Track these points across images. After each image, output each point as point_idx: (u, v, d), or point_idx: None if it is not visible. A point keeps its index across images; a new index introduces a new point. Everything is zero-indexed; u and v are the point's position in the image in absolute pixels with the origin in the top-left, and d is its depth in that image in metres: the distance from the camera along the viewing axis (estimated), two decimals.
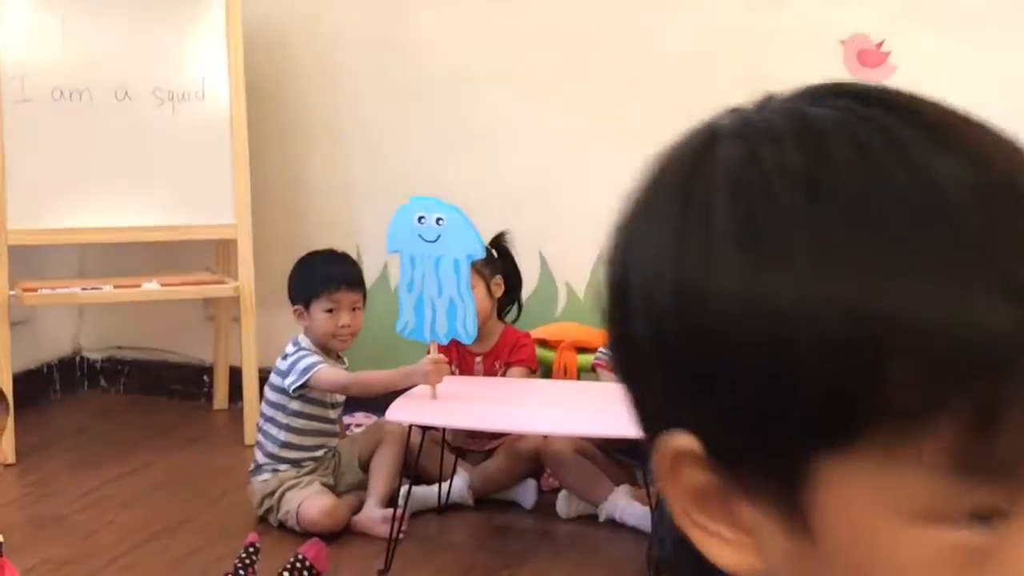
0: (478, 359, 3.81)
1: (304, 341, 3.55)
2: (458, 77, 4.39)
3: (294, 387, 3.47)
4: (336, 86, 4.53)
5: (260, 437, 3.57)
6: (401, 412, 3.22)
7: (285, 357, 3.54)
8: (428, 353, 3.32)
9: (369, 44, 4.47)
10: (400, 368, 3.39)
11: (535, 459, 3.67)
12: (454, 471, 3.64)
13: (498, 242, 3.90)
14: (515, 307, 3.93)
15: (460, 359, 3.80)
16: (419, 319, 3.28)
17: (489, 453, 3.75)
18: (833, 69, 3.98)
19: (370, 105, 4.50)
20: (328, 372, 3.47)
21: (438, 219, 3.25)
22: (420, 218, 3.27)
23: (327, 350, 3.58)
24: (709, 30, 4.13)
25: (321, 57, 4.53)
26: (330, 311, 3.54)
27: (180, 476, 3.92)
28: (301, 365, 3.48)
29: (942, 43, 3.90)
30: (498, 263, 3.84)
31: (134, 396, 4.82)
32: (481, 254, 3.30)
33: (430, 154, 4.42)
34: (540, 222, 4.27)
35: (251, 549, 2.99)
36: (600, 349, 3.70)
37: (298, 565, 2.97)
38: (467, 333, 3.29)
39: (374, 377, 3.46)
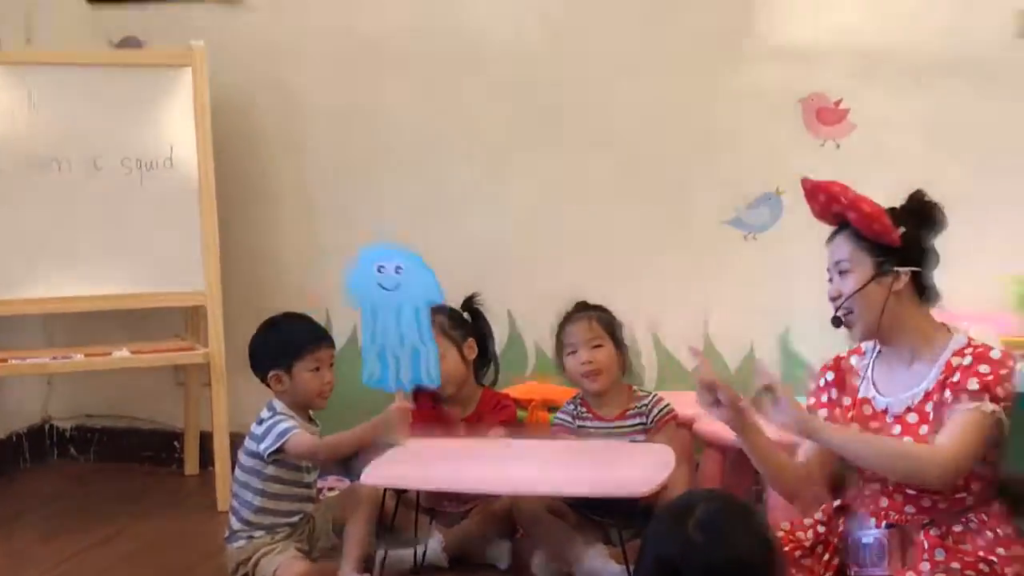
0: (461, 424, 3.82)
1: (279, 405, 3.55)
2: (424, 143, 4.44)
3: (269, 452, 3.47)
4: (303, 153, 4.57)
5: (234, 503, 3.57)
6: (376, 476, 3.23)
7: (260, 422, 3.54)
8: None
9: (336, 112, 4.52)
10: (364, 423, 3.41)
11: (509, 519, 3.68)
12: (428, 533, 3.64)
13: (469, 304, 3.93)
14: (492, 368, 3.94)
15: (443, 425, 3.82)
16: (384, 368, 3.31)
17: (463, 514, 3.76)
18: (792, 127, 4.06)
19: (338, 172, 4.55)
20: (301, 437, 3.47)
21: (397, 267, 3.30)
22: (379, 268, 3.31)
23: (304, 411, 3.59)
24: (670, 90, 4.19)
25: (288, 125, 4.57)
26: (316, 369, 3.56)
27: (154, 543, 3.90)
28: (277, 429, 3.48)
29: (899, 102, 3.99)
30: (469, 326, 3.87)
31: (104, 464, 4.80)
32: (440, 299, 3.34)
33: (398, 218, 4.46)
34: (508, 283, 4.31)
35: None
36: (558, 414, 3.73)
37: None
38: (431, 378, 3.33)
39: (341, 438, 3.46)
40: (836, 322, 2.90)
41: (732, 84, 4.13)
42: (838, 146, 4.05)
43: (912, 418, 2.81)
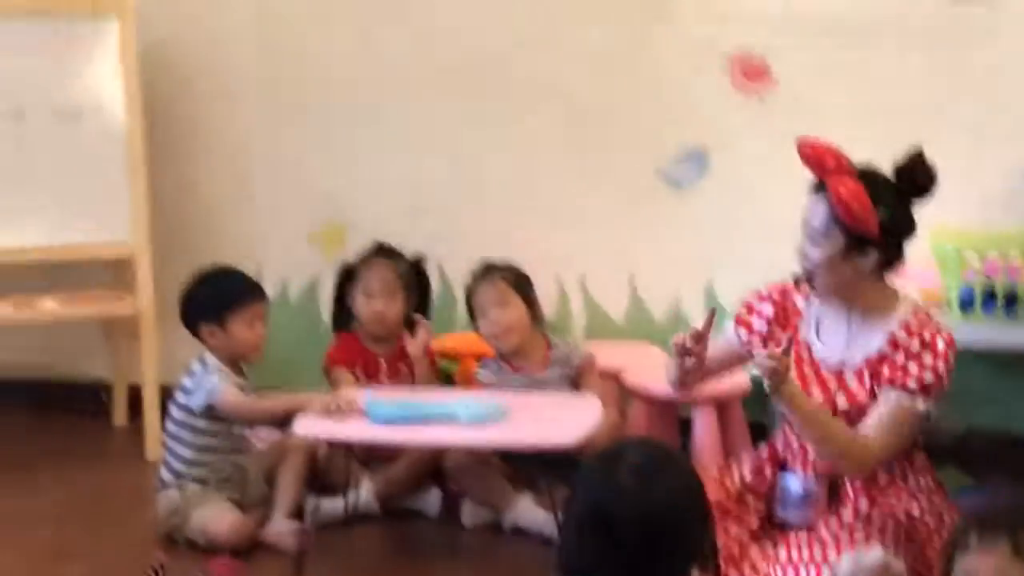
0: (382, 361, 3.92)
1: (211, 360, 3.56)
2: (352, 89, 4.43)
3: (200, 407, 3.48)
4: (233, 102, 4.53)
5: (165, 455, 3.57)
6: (307, 427, 3.25)
7: (192, 375, 3.55)
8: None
9: (264, 59, 4.49)
10: (291, 396, 3.42)
11: (439, 467, 3.72)
12: (359, 481, 3.67)
13: (418, 265, 4.01)
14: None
15: (365, 362, 3.89)
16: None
17: (392, 460, 3.78)
18: (718, 83, 4.11)
19: (267, 119, 4.51)
20: (229, 395, 3.48)
21: None
22: None
23: (236, 365, 3.59)
24: (597, 44, 4.22)
25: (217, 74, 4.52)
26: (249, 323, 3.56)
27: (82, 496, 3.88)
28: (207, 385, 3.49)
29: (822, 58, 4.05)
30: (415, 282, 3.97)
31: (30, 417, 4.75)
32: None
33: (329, 167, 4.46)
34: (438, 235, 4.33)
35: (158, 568, 3.00)
36: (480, 371, 3.79)
37: None
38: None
39: (267, 405, 3.48)
40: (798, 280, 2.91)
41: (660, 38, 4.16)
42: (762, 101, 4.10)
43: (852, 383, 2.86)
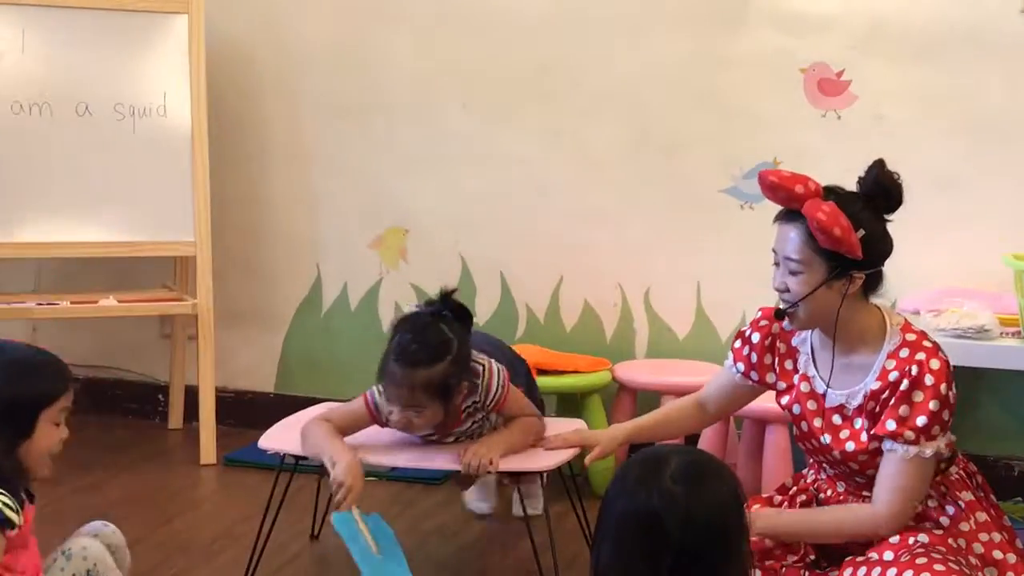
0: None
1: None
2: (420, 94, 4.39)
3: None
4: (298, 104, 4.52)
5: None
6: (273, 442, 3.06)
7: None
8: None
9: (331, 63, 4.46)
10: None
11: None
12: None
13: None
14: None
15: None
16: None
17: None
18: (793, 97, 4.02)
19: (332, 123, 4.49)
20: None
21: None
22: None
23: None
24: (669, 56, 4.15)
25: (283, 75, 4.51)
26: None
27: (135, 495, 3.87)
28: None
29: (903, 74, 3.95)
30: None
31: (87, 415, 4.74)
32: None
33: (391, 173, 4.42)
34: (500, 244, 4.28)
35: None
36: None
37: None
38: None
39: None
40: (779, 314, 2.74)
41: (734, 50, 4.09)
42: (839, 117, 4.01)
43: (858, 423, 2.70)
